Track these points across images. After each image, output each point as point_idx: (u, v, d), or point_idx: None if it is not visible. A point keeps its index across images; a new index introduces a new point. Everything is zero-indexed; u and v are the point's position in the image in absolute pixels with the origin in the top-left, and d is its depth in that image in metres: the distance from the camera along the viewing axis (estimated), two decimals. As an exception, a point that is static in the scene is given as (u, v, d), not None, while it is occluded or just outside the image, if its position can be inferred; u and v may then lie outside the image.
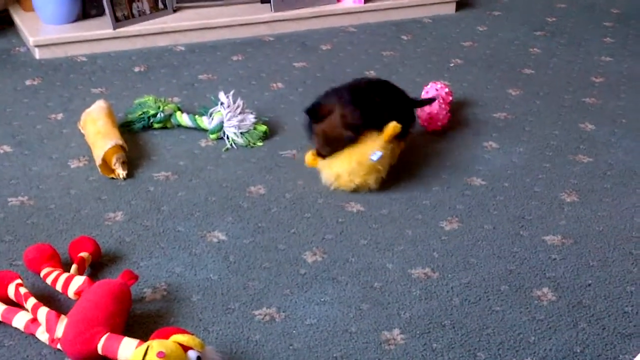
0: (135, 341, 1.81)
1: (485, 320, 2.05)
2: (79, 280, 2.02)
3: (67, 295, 2.03)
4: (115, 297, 1.92)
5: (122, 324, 1.91)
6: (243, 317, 2.03)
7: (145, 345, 1.74)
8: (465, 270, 2.23)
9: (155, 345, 1.73)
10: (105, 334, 1.82)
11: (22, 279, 2.03)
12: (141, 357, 1.71)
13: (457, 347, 1.95)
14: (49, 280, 2.06)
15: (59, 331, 1.84)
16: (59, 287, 2.04)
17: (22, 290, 1.98)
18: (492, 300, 2.12)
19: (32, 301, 1.94)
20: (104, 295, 1.91)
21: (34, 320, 1.91)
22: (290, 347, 1.94)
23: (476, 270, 2.24)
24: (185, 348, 1.77)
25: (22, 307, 1.97)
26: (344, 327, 2.01)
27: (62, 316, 1.88)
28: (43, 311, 1.90)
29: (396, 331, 2.00)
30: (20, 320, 1.92)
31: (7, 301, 2.00)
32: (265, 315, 2.04)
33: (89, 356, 1.81)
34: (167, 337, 1.79)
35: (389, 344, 1.96)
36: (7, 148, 2.78)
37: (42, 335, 1.89)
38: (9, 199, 2.47)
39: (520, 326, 2.03)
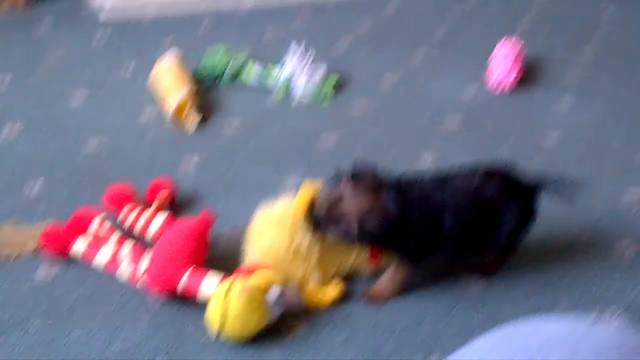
0: (217, 279, 1.82)
1: (567, 273, 2.03)
2: (159, 220, 2.04)
3: (144, 238, 2.04)
4: (195, 235, 1.94)
5: (203, 262, 1.92)
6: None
7: (227, 282, 1.76)
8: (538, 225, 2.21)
9: (238, 281, 1.75)
10: (186, 271, 1.83)
11: (102, 217, 2.04)
12: (222, 297, 1.72)
13: (536, 295, 1.94)
14: (129, 220, 2.08)
15: (144, 265, 1.86)
16: (138, 227, 2.06)
17: (107, 224, 2.01)
18: (565, 258, 2.10)
19: (117, 235, 1.96)
20: (185, 233, 1.93)
21: (114, 260, 1.92)
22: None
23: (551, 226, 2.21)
24: (269, 283, 1.79)
25: (101, 247, 1.98)
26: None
27: (147, 251, 1.89)
28: (128, 244, 1.91)
29: (475, 276, 2.00)
30: (100, 260, 1.93)
31: (89, 238, 2.00)
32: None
33: (169, 292, 1.83)
34: (250, 274, 1.81)
35: (468, 290, 1.95)
36: (81, 96, 2.81)
37: (122, 274, 1.90)
38: (85, 145, 2.51)
39: (602, 275, 2.01)
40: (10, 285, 1.90)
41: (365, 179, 1.79)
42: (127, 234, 2.05)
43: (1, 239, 1.98)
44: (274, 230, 1.89)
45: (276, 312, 1.79)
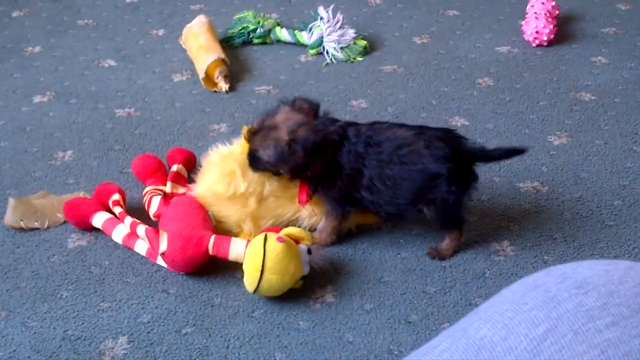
0: (243, 240, 1.83)
1: (598, 234, 2.00)
2: (156, 201, 2.00)
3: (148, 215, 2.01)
4: (198, 205, 1.93)
5: (214, 229, 1.91)
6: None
7: (262, 234, 1.77)
8: (576, 185, 2.17)
9: (271, 233, 1.76)
10: (211, 235, 1.83)
11: (121, 193, 2.02)
12: (262, 243, 1.73)
13: (569, 260, 1.91)
14: (145, 199, 2.04)
15: (163, 245, 1.81)
16: (151, 211, 2.01)
17: (118, 210, 1.97)
18: (605, 215, 2.06)
19: (128, 220, 1.93)
20: (190, 206, 1.92)
21: (132, 234, 1.92)
22: (398, 256, 1.93)
23: (587, 185, 2.17)
24: (296, 241, 1.79)
25: (118, 223, 1.96)
26: (451, 238, 1.99)
27: (161, 231, 1.85)
28: (142, 228, 1.88)
29: (505, 243, 1.97)
30: (118, 233, 1.93)
31: (109, 210, 2.00)
32: (371, 224, 2.03)
33: (201, 259, 1.82)
34: (277, 231, 1.81)
35: (499, 255, 1.93)
36: (111, 62, 2.81)
37: (140, 248, 1.90)
38: (116, 110, 2.51)
39: (635, 241, 1.97)
40: (41, 255, 1.92)
41: (303, 106, 1.85)
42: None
43: (32, 209, 2.00)
44: (216, 168, 1.94)
45: (306, 268, 1.80)
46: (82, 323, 1.72)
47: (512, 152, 1.89)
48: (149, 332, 1.70)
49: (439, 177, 1.79)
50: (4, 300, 1.79)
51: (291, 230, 1.82)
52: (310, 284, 1.83)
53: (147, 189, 2.06)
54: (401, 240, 1.98)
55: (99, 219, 1.95)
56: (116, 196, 2.00)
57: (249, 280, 1.74)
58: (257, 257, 1.72)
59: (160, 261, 1.87)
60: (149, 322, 1.72)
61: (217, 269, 1.86)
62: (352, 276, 1.87)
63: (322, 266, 1.86)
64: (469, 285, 1.84)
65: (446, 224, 1.90)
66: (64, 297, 1.79)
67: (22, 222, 1.98)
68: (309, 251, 1.81)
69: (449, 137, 1.84)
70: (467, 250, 1.95)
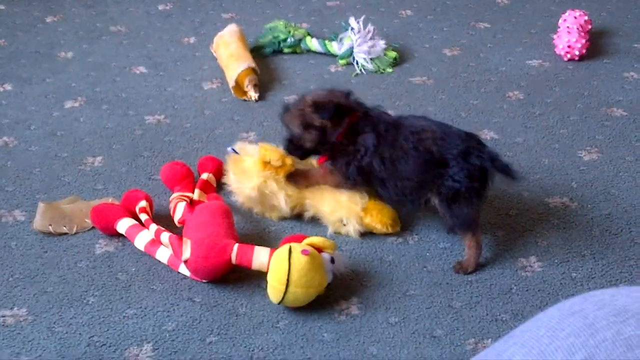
0: (266, 249, 1.83)
1: (628, 252, 1.97)
2: (181, 207, 2.02)
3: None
4: (223, 213, 1.93)
5: (237, 238, 1.90)
6: (376, 238, 2.02)
7: (286, 245, 1.77)
8: (606, 201, 2.15)
9: (295, 245, 1.76)
10: (234, 244, 1.83)
11: (148, 200, 2.02)
12: (287, 256, 1.73)
13: (597, 278, 1.89)
14: (171, 206, 2.05)
15: (187, 252, 1.81)
16: (176, 217, 2.02)
17: (144, 217, 1.97)
18: (634, 232, 2.04)
19: (153, 227, 1.94)
20: (215, 213, 1.92)
21: (155, 241, 1.92)
22: (424, 269, 1.92)
23: (617, 202, 2.15)
24: (319, 250, 1.80)
25: (141, 230, 1.96)
26: (478, 253, 1.98)
27: (184, 238, 1.85)
28: (166, 235, 1.89)
29: (533, 258, 1.95)
30: (141, 240, 1.93)
31: (136, 217, 2.01)
32: (397, 238, 2.02)
33: (223, 267, 1.82)
34: (300, 240, 1.81)
35: (526, 271, 1.91)
36: (142, 69, 2.83)
37: (162, 256, 1.90)
38: (146, 117, 2.53)
39: (666, 259, 1.95)
40: (69, 261, 1.93)
41: (332, 91, 2.01)
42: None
43: (60, 214, 2.01)
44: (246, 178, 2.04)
45: (329, 276, 1.80)
46: (108, 329, 1.73)
47: (507, 172, 1.89)
48: (173, 340, 1.70)
49: (446, 166, 1.85)
50: (31, 304, 1.80)
51: (314, 239, 1.82)
52: (335, 296, 1.83)
53: (174, 195, 2.07)
54: (427, 254, 1.97)
55: (123, 225, 1.96)
56: (143, 203, 2.01)
57: (274, 293, 1.74)
58: (282, 270, 1.72)
59: (182, 269, 1.87)
60: (173, 330, 1.73)
61: (242, 277, 1.86)
62: (378, 289, 1.86)
63: (345, 273, 1.86)
64: (495, 301, 1.83)
65: (455, 221, 1.89)
66: (90, 302, 1.81)
67: (50, 227, 2.00)
68: (332, 260, 1.81)
69: (469, 137, 1.91)
70: (493, 265, 1.93)
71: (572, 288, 1.86)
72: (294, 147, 1.98)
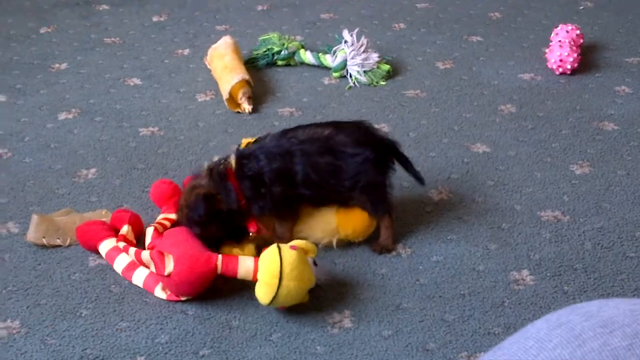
0: (250, 258, 1.83)
1: (619, 266, 1.99)
2: (150, 232, 2.01)
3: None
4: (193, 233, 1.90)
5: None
6: (369, 250, 2.03)
7: (273, 245, 1.79)
8: (598, 215, 2.17)
9: (283, 244, 1.79)
10: (218, 254, 1.82)
11: (132, 223, 2.00)
12: (277, 251, 1.75)
13: (589, 291, 1.90)
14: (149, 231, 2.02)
15: (169, 266, 1.78)
16: (146, 240, 2.00)
17: (121, 244, 1.94)
18: (626, 246, 2.05)
19: (132, 250, 1.92)
20: (185, 232, 1.89)
21: (131, 265, 1.89)
22: (417, 282, 1.93)
23: (609, 216, 2.16)
24: (304, 250, 1.83)
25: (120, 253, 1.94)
26: (471, 266, 1.99)
27: (166, 253, 1.80)
28: (146, 252, 1.85)
29: (525, 272, 1.96)
30: (119, 264, 1.91)
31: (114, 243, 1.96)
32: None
33: (209, 278, 1.80)
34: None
35: (518, 284, 1.92)
36: (137, 81, 2.84)
37: (138, 280, 1.88)
38: (140, 129, 2.54)
39: (657, 273, 1.96)
40: (62, 273, 1.93)
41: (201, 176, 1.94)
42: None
43: (54, 226, 2.01)
44: None
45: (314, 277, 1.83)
46: (101, 342, 1.73)
47: (412, 171, 2.08)
48: (166, 353, 1.71)
49: (366, 161, 1.95)
50: (24, 316, 1.80)
51: (298, 242, 1.84)
52: (328, 309, 1.83)
53: (157, 218, 2.06)
54: (420, 267, 1.98)
55: (104, 248, 1.95)
56: (124, 229, 1.98)
57: (266, 290, 1.75)
58: (274, 264, 1.74)
59: (158, 292, 1.84)
60: (166, 343, 1.73)
61: (234, 290, 1.87)
62: (371, 302, 1.87)
63: (325, 280, 1.89)
64: (488, 314, 1.83)
65: (378, 206, 2.01)
66: (83, 315, 1.81)
67: (44, 239, 2.00)
68: (315, 263, 1.85)
69: (363, 126, 2.03)
70: (486, 278, 1.94)
71: (564, 301, 1.87)
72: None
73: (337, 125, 2.02)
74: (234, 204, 1.90)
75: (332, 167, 1.95)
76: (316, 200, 2.00)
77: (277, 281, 1.73)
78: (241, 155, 1.94)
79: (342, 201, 2.02)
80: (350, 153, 1.96)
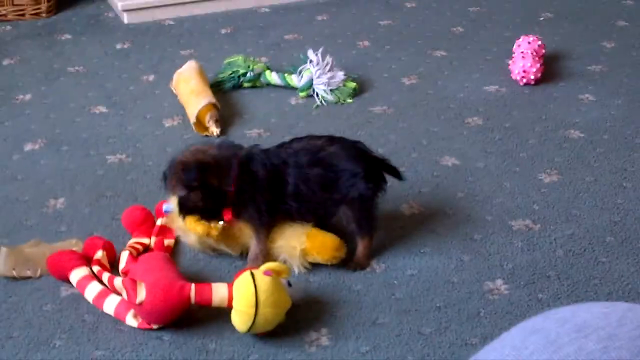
0: (224, 284, 1.81)
1: (592, 272, 2.00)
2: (124, 256, 2.00)
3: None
4: (167, 259, 1.92)
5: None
6: (343, 267, 2.02)
7: (246, 272, 1.77)
8: (568, 222, 2.19)
9: (255, 270, 1.77)
10: (191, 284, 1.80)
11: (106, 249, 1.99)
12: (251, 279, 1.74)
13: (563, 298, 1.91)
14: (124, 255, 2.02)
15: (141, 294, 1.75)
16: (120, 267, 1.99)
17: (96, 268, 1.94)
18: (597, 252, 2.07)
19: (106, 276, 1.91)
20: (162, 258, 1.90)
21: (102, 294, 1.87)
22: (393, 297, 1.93)
23: (579, 222, 2.18)
24: (278, 273, 1.82)
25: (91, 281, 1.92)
26: (445, 278, 1.99)
27: (138, 281, 1.78)
28: (119, 279, 1.85)
29: (499, 282, 1.97)
30: (90, 293, 1.89)
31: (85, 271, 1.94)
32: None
33: (182, 308, 1.79)
34: (256, 268, 1.82)
35: (493, 294, 1.93)
36: (102, 108, 2.82)
37: (109, 308, 1.85)
38: (108, 157, 2.52)
39: (628, 277, 1.98)
40: (34, 305, 1.91)
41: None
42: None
43: (24, 258, 1.99)
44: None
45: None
46: (76, 372, 1.71)
47: (393, 172, 2.10)
48: (143, 380, 1.69)
49: (357, 175, 1.95)
50: (-3, 350, 1.78)
51: (270, 265, 1.82)
52: (305, 327, 1.82)
53: (129, 242, 2.05)
54: (395, 282, 1.98)
55: (75, 277, 1.92)
56: (99, 254, 1.97)
57: (243, 319, 1.73)
58: (249, 293, 1.72)
59: (129, 321, 1.82)
60: (143, 370, 1.71)
61: (210, 314, 1.85)
62: (347, 318, 1.86)
63: (300, 299, 1.88)
64: (464, 325, 1.84)
65: (364, 223, 2.01)
66: (57, 346, 1.78)
67: (14, 271, 1.97)
68: (289, 284, 1.83)
69: (356, 144, 2.05)
70: (461, 290, 1.95)
71: (539, 309, 1.88)
72: (187, 209, 1.94)
73: (331, 139, 2.03)
74: (227, 186, 1.91)
75: (322, 179, 1.96)
76: (300, 215, 1.99)
77: (253, 310, 1.72)
78: (249, 153, 1.97)
79: (327, 216, 2.02)
80: (342, 167, 1.97)
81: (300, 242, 1.98)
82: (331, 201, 1.98)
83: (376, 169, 2.04)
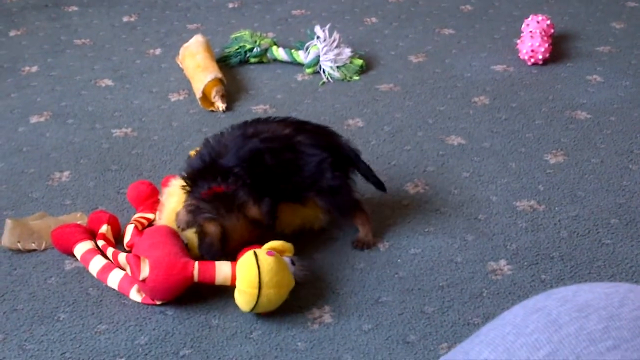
0: (227, 262, 1.81)
1: (596, 253, 2.00)
2: (129, 230, 1.99)
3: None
4: (174, 234, 1.89)
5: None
6: (347, 245, 2.03)
7: (250, 251, 1.77)
8: (573, 204, 2.18)
9: (258, 250, 1.77)
10: (194, 261, 1.80)
11: (111, 223, 1.99)
12: (254, 259, 1.74)
13: (566, 279, 1.91)
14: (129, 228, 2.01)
15: (145, 271, 1.76)
16: (125, 240, 1.99)
17: (101, 242, 1.94)
18: (601, 233, 2.07)
19: (110, 251, 1.91)
20: (166, 233, 1.88)
21: (106, 267, 1.88)
22: (396, 276, 1.93)
23: (584, 204, 2.18)
24: (281, 252, 1.82)
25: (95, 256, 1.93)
26: (449, 257, 1.99)
27: (142, 257, 1.78)
28: (123, 255, 1.86)
29: (503, 262, 1.97)
30: (94, 267, 1.90)
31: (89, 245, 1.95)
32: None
33: (184, 285, 1.79)
34: (260, 247, 1.82)
35: (496, 274, 1.93)
36: (108, 82, 2.82)
37: (113, 282, 1.86)
38: (113, 130, 2.52)
39: (632, 259, 1.98)
40: (38, 277, 1.92)
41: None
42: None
43: (29, 231, 1.99)
44: (174, 197, 1.98)
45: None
46: (80, 345, 1.72)
47: (372, 180, 2.08)
48: (146, 355, 1.70)
49: (323, 162, 1.94)
50: (1, 323, 1.79)
51: (274, 244, 1.83)
52: (308, 305, 1.83)
53: (134, 217, 2.05)
54: (398, 260, 1.98)
55: (79, 250, 1.93)
56: (104, 228, 1.97)
57: (246, 299, 1.74)
58: (252, 273, 1.72)
59: (133, 295, 1.83)
60: (146, 344, 1.72)
61: (213, 289, 1.85)
62: (350, 296, 1.87)
63: (304, 277, 1.87)
64: (467, 305, 1.84)
65: (342, 209, 2.01)
66: (61, 319, 1.79)
67: (19, 244, 1.98)
68: (293, 262, 1.84)
69: (324, 131, 2.05)
70: (464, 269, 1.95)
71: (542, 290, 1.86)
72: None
73: (298, 126, 2.02)
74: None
75: (293, 165, 1.95)
76: (281, 197, 1.97)
77: (256, 291, 1.72)
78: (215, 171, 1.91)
79: (304, 201, 2.01)
80: (309, 153, 1.96)
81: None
82: (303, 185, 1.97)
83: (341, 156, 2.01)
